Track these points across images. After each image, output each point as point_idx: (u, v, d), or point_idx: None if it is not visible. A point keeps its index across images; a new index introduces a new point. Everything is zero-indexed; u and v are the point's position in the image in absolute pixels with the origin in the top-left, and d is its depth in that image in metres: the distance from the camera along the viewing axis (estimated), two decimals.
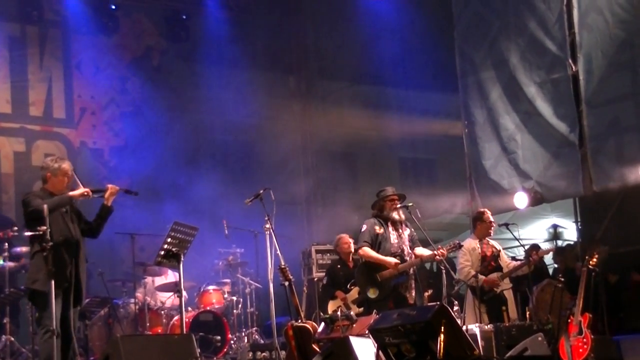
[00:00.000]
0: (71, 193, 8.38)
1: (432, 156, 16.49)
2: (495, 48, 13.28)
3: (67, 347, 8.32)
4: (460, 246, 10.41)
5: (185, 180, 15.86)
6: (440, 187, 14.48)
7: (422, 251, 10.27)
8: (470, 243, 11.00)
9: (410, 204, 10.22)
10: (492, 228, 11.09)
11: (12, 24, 14.93)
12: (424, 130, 16.04)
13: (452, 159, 15.14)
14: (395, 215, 10.29)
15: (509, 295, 11.12)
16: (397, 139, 16.56)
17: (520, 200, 12.67)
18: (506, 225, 11.18)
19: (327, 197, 17.04)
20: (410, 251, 10.23)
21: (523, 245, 11.33)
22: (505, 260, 11.23)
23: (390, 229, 10.31)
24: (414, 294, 10.14)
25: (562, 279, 11.36)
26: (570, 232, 16.08)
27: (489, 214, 11.19)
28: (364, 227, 10.38)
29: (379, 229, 10.29)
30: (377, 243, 10.22)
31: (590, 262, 10.15)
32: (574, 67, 12.07)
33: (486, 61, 13.44)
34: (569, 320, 9.94)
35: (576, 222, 13.97)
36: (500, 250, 11.14)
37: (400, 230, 10.35)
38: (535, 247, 12.57)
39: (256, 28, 16.71)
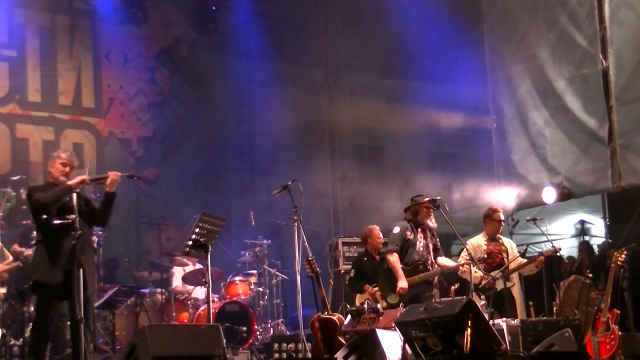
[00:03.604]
0: (69, 182, 8.35)
1: (459, 150, 16.39)
2: (525, 42, 13.24)
3: (75, 332, 8.20)
4: (485, 260, 10.40)
5: (212, 171, 15.91)
6: (467, 181, 14.40)
7: (444, 261, 10.33)
8: (478, 240, 10.91)
9: (439, 198, 10.22)
10: (502, 227, 10.87)
11: (42, 13, 14.97)
12: (451, 124, 15.95)
13: (479, 154, 15.07)
14: (429, 222, 10.31)
15: (517, 294, 11.02)
16: (423, 132, 16.48)
17: (548, 195, 12.64)
18: (534, 220, 11.06)
19: (353, 190, 17.02)
20: (433, 261, 10.29)
21: (550, 241, 11.25)
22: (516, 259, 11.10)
23: (420, 236, 10.34)
24: None
25: (590, 275, 11.30)
26: (597, 228, 16.02)
27: (500, 213, 10.96)
28: (397, 230, 10.38)
29: (409, 234, 10.33)
30: (405, 248, 10.27)
31: (619, 258, 10.09)
32: (604, 62, 12.03)
33: (515, 56, 13.40)
34: (597, 317, 9.89)
35: (604, 218, 13.92)
36: (511, 249, 10.94)
37: (428, 239, 10.40)
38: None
39: (284, 21, 16.70)
